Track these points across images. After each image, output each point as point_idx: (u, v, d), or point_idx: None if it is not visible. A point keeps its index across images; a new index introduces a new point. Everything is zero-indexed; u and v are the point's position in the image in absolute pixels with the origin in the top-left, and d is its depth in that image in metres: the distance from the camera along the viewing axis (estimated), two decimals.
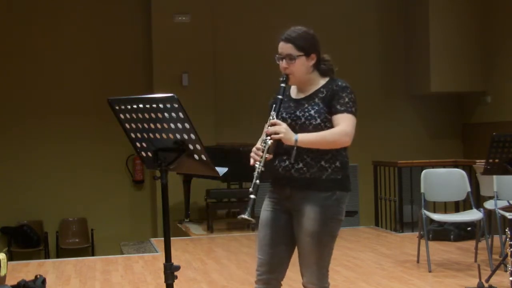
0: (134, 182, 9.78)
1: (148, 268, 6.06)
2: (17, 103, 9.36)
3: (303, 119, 2.89)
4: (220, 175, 2.61)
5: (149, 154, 2.58)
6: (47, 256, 9.17)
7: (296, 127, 2.87)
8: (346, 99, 2.88)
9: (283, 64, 2.94)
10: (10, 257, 8.15)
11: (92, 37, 9.67)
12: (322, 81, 2.99)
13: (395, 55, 10.75)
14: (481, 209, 5.70)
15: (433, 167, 7.23)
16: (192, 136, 2.38)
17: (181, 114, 2.34)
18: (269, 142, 2.80)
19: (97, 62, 9.67)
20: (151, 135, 2.50)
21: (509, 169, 4.57)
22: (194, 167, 2.52)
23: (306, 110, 2.91)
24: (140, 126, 2.50)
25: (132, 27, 9.82)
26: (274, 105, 2.90)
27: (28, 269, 6.06)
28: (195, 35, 9.56)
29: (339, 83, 2.94)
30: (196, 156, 2.45)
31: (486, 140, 4.68)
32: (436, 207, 7.56)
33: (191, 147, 2.42)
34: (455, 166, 7.75)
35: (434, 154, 9.97)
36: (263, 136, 2.84)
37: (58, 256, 9.06)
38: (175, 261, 2.53)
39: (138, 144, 2.61)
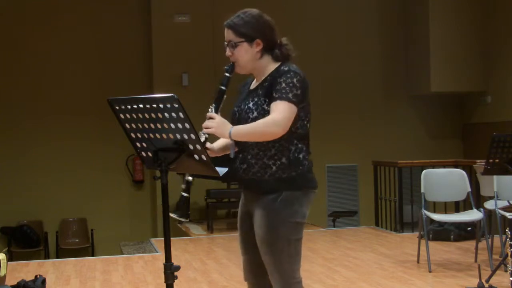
0: (134, 182, 9.78)
1: (148, 268, 6.06)
2: (17, 103, 9.36)
3: (243, 113, 2.74)
4: (220, 175, 2.61)
5: (149, 154, 2.57)
6: (47, 256, 9.17)
7: (240, 121, 2.72)
8: (283, 84, 2.63)
9: (227, 51, 2.80)
10: (10, 257, 8.14)
11: (92, 37, 9.67)
12: (273, 67, 2.77)
13: (395, 55, 10.75)
14: (481, 209, 5.70)
15: (433, 167, 7.23)
16: (192, 136, 2.38)
17: (181, 114, 2.33)
18: (203, 136, 2.64)
19: (97, 62, 9.67)
20: (151, 135, 2.49)
21: (509, 169, 4.57)
22: (194, 167, 2.52)
23: (247, 103, 2.75)
24: (140, 126, 2.50)
25: (132, 27, 9.82)
26: (215, 96, 2.76)
27: (28, 269, 6.06)
28: (195, 35, 9.56)
29: (282, 68, 2.71)
30: (196, 156, 2.45)
31: (486, 140, 4.68)
32: (436, 207, 7.56)
33: (191, 147, 2.42)
34: (455, 166, 7.75)
35: (434, 154, 9.97)
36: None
37: (58, 256, 9.06)
38: (175, 261, 2.53)
39: (138, 144, 2.61)
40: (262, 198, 2.70)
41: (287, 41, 2.82)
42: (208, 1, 9.74)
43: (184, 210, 2.68)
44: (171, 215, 2.64)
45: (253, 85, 2.85)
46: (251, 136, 2.63)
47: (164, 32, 9.53)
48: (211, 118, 2.65)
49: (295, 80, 2.65)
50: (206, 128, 2.63)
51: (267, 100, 2.68)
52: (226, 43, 2.79)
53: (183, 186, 2.71)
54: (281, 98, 2.61)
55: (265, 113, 2.66)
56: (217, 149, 2.83)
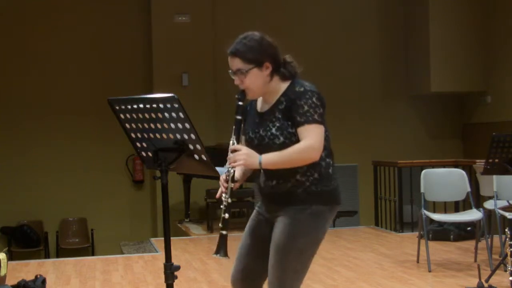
0: (134, 182, 9.78)
1: (148, 268, 6.06)
2: (17, 103, 9.36)
3: (266, 139, 2.68)
4: (220, 175, 2.62)
5: (149, 154, 2.58)
6: (47, 256, 9.17)
7: (261, 148, 2.66)
8: (306, 107, 2.61)
9: (236, 80, 2.71)
10: (10, 257, 8.14)
11: (92, 37, 9.67)
12: (283, 87, 2.72)
13: (395, 55, 10.75)
14: (481, 209, 5.70)
15: (433, 167, 7.23)
16: (192, 136, 2.38)
17: (181, 114, 2.33)
18: (232, 171, 2.64)
19: (96, 62, 9.67)
20: (151, 135, 2.50)
21: (509, 169, 4.57)
22: (194, 167, 2.52)
23: (268, 128, 2.68)
24: (140, 126, 2.50)
25: (132, 27, 9.82)
26: (234, 127, 2.69)
27: (28, 269, 6.06)
28: (195, 35, 9.56)
29: (296, 89, 2.67)
30: (196, 156, 2.45)
31: (486, 140, 4.68)
32: (436, 207, 7.56)
33: (191, 147, 2.42)
34: (455, 166, 7.75)
35: (434, 154, 9.97)
36: (227, 164, 2.63)
37: (58, 256, 9.06)
38: (175, 261, 2.53)
39: (138, 144, 2.61)
40: (290, 208, 2.67)
41: (290, 58, 2.77)
42: (208, 1, 9.74)
43: (225, 248, 2.66)
44: (213, 256, 2.65)
45: (263, 106, 2.79)
46: (285, 163, 2.61)
47: (164, 32, 9.53)
48: (235, 150, 2.60)
49: (314, 99, 2.64)
50: (234, 161, 2.59)
51: (289, 123, 2.65)
52: (231, 71, 2.71)
53: (221, 225, 2.70)
54: (308, 122, 2.60)
55: (291, 136, 2.64)
56: (241, 179, 2.80)
